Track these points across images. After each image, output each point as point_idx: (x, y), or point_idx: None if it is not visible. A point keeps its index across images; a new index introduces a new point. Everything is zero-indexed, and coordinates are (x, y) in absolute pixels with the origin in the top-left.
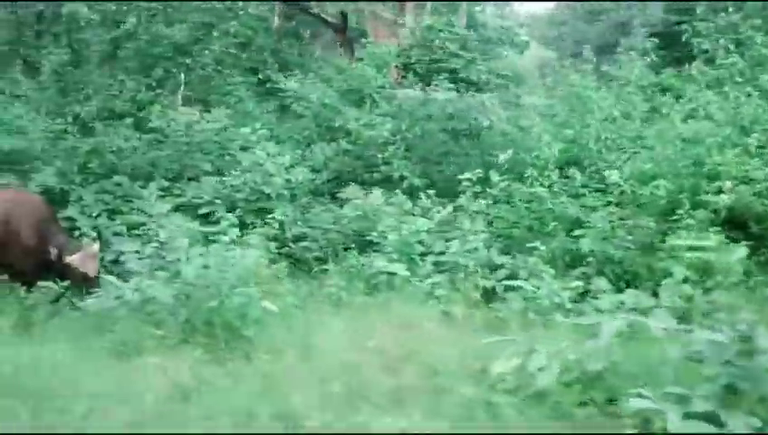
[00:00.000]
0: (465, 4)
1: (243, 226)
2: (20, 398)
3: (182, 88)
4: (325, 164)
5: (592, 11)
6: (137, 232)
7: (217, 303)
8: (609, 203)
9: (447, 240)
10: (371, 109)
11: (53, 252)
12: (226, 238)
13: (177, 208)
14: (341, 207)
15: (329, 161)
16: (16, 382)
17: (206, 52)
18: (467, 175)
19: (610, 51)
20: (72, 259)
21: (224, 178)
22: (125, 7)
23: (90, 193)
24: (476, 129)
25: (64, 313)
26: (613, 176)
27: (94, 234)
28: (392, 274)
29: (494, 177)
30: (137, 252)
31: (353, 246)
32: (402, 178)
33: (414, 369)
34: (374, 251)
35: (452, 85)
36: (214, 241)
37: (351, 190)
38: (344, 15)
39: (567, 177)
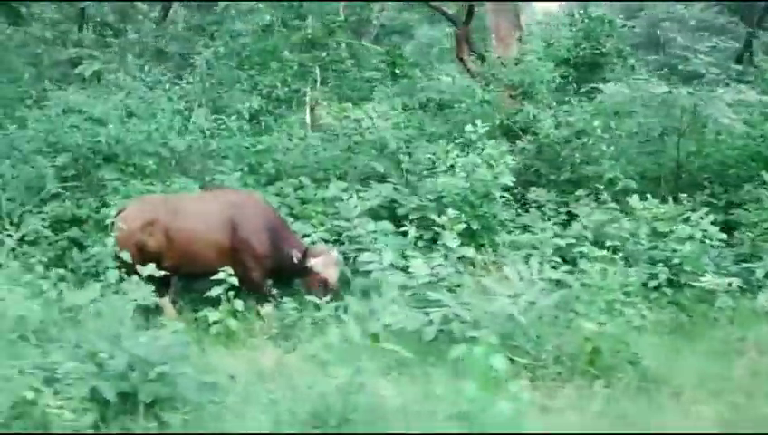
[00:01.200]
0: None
1: (473, 235)
2: None
3: (318, 83)
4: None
5: (629, 8)
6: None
7: (598, 325)
8: None
9: None
10: (550, 105)
11: (296, 255)
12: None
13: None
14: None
15: None
16: None
17: (342, 45)
18: None
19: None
20: (315, 263)
21: (439, 180)
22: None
23: (270, 195)
24: (694, 127)
25: (323, 328)
26: None
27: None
28: (681, 286)
29: None
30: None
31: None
32: (613, 180)
33: None
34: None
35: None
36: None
37: (540, 192)
38: (470, 10)
39: None
